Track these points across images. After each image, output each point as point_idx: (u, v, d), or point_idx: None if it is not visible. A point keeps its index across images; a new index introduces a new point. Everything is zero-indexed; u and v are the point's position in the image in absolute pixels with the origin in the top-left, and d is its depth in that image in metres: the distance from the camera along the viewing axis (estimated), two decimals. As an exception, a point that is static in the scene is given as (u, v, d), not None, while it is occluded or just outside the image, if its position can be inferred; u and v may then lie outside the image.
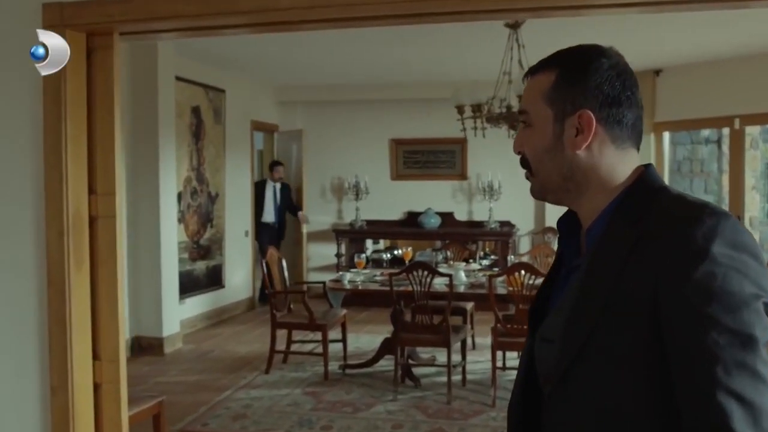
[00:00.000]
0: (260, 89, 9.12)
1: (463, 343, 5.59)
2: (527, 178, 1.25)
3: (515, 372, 1.36)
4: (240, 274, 8.61)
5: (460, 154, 9.26)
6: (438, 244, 9.10)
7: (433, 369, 5.80)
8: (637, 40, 6.10)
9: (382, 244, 9.73)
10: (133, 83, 6.53)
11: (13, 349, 2.52)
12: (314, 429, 4.62)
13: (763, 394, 0.97)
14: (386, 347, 5.75)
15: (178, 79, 6.99)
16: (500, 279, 5.39)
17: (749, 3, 2.22)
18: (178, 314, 6.93)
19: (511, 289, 5.08)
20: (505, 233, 8.77)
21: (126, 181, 6.46)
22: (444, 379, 5.28)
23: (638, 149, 1.21)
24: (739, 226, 1.04)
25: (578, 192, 1.20)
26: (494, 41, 5.70)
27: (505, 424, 1.33)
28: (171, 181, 6.82)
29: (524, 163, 1.24)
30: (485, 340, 6.27)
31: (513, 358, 5.67)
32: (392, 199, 9.40)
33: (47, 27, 2.39)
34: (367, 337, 7.07)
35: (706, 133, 11.12)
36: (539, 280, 4.59)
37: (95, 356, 2.58)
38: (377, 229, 9.42)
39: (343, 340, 6.15)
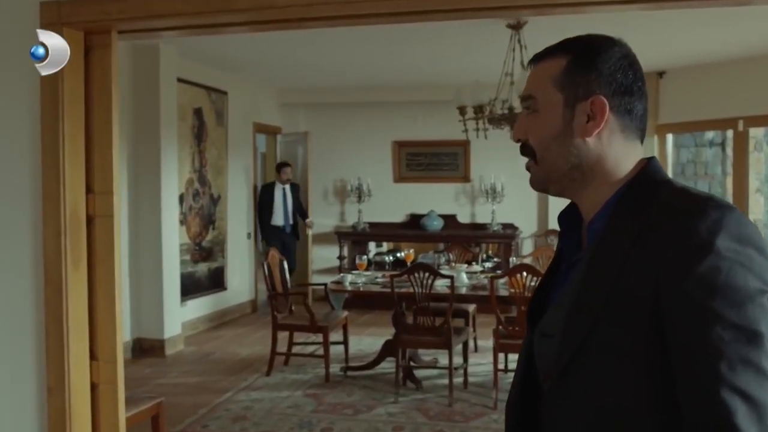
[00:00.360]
0: (263, 91, 9.11)
1: (465, 345, 5.57)
2: (528, 168, 1.22)
3: None
4: (242, 277, 8.59)
5: (462, 157, 9.24)
6: (441, 246, 9.08)
7: (434, 371, 5.78)
8: (640, 42, 6.03)
9: (385, 246, 9.71)
10: (135, 84, 6.52)
11: (10, 349, 2.51)
12: (314, 431, 4.60)
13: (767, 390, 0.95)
14: (388, 349, 5.73)
15: (180, 80, 6.99)
16: (502, 281, 5.37)
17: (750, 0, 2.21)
18: (179, 316, 6.92)
19: (512, 290, 5.06)
20: (507, 235, 8.75)
21: (127, 183, 6.46)
22: (446, 381, 5.26)
23: (642, 142, 1.19)
24: (744, 219, 1.02)
25: (583, 182, 1.17)
26: (496, 42, 5.69)
27: None
28: (173, 182, 6.81)
29: (525, 150, 1.20)
30: (487, 342, 6.25)
31: (515, 360, 5.58)
32: (395, 201, 9.39)
33: (45, 25, 2.39)
34: (369, 339, 7.05)
35: (710, 135, 11.09)
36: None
37: (92, 356, 2.57)
38: (380, 231, 9.40)
39: (345, 342, 6.13)
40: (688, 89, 7.49)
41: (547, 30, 5.29)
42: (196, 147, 7.53)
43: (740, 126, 7.15)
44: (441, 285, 5.37)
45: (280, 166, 8.84)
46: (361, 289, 5.97)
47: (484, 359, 6.13)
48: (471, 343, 6.19)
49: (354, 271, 6.59)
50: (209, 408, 5.05)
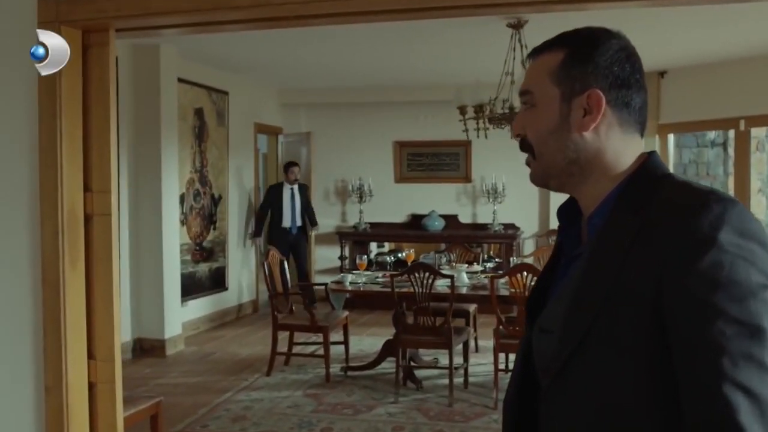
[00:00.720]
0: (264, 91, 9.11)
1: (465, 345, 5.56)
2: (527, 164, 1.21)
3: None
4: (243, 277, 8.59)
5: (464, 157, 9.23)
6: (442, 246, 9.07)
7: (435, 371, 5.77)
8: (641, 42, 5.99)
9: (387, 246, 9.70)
10: (136, 85, 6.53)
11: (8, 348, 2.50)
12: (314, 431, 4.60)
13: None
14: (388, 349, 5.72)
15: (181, 80, 6.99)
16: (503, 281, 5.36)
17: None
18: (180, 316, 6.92)
19: (513, 290, 5.05)
20: (509, 235, 8.73)
21: (128, 183, 6.46)
22: (446, 381, 5.25)
23: (642, 136, 1.17)
24: (747, 213, 1.01)
25: (582, 177, 1.16)
26: (497, 42, 5.68)
27: None
28: (173, 182, 6.81)
29: (524, 146, 1.20)
30: (488, 342, 6.24)
31: (516, 361, 5.63)
32: (396, 201, 9.37)
33: (42, 24, 2.38)
34: (370, 339, 7.04)
35: (711, 135, 11.07)
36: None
37: (90, 356, 2.56)
38: (381, 231, 9.39)
39: (345, 342, 6.12)
40: (689, 89, 7.47)
41: (548, 29, 5.27)
42: (197, 147, 7.53)
43: (742, 126, 7.14)
44: (441, 285, 5.36)
45: (288, 166, 8.63)
46: (362, 289, 5.96)
47: (485, 359, 6.12)
48: (472, 343, 6.18)
49: (354, 271, 6.59)
50: (209, 408, 5.04)
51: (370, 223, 9.30)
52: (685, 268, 0.97)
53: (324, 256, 9.38)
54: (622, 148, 1.14)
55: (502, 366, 5.35)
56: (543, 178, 1.20)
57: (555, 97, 1.14)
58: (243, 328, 7.83)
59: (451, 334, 5.09)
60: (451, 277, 5.16)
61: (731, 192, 8.48)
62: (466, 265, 6.53)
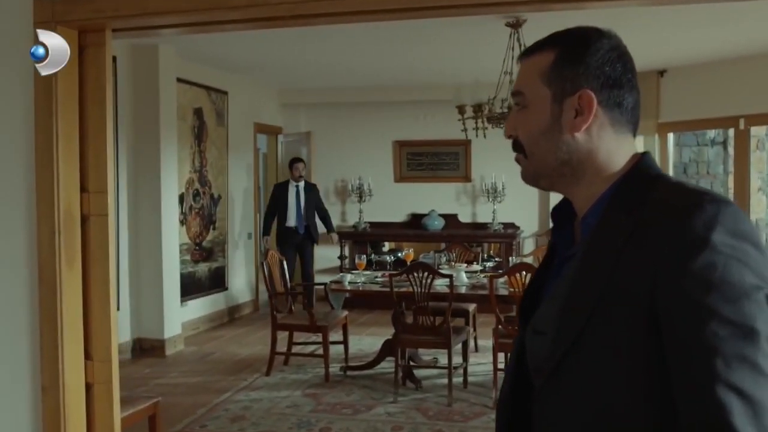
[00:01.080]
0: (263, 91, 9.10)
1: (465, 344, 5.56)
2: (518, 161, 1.20)
3: None
4: (243, 277, 8.59)
5: (463, 156, 9.23)
6: (442, 246, 9.06)
7: (434, 371, 5.77)
8: (641, 41, 6.06)
9: (387, 246, 9.69)
10: (135, 85, 6.52)
11: (4, 348, 2.50)
12: (313, 431, 4.60)
13: (764, 388, 0.93)
14: (387, 349, 5.72)
15: (180, 80, 6.99)
16: (502, 280, 5.36)
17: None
18: (179, 316, 6.92)
19: (512, 290, 5.04)
20: (509, 235, 8.73)
21: (127, 183, 6.46)
22: (445, 381, 5.24)
23: (635, 135, 1.17)
24: (741, 214, 1.00)
25: (574, 177, 1.15)
26: (496, 41, 5.67)
27: None
28: (173, 182, 6.81)
29: (517, 146, 1.20)
30: (488, 341, 6.23)
31: (515, 360, 5.62)
32: (396, 201, 9.37)
33: (38, 24, 2.38)
34: (369, 339, 7.04)
35: (711, 134, 11.06)
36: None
37: (87, 356, 2.55)
38: (381, 231, 9.38)
39: (344, 342, 6.11)
40: (689, 88, 7.46)
41: (546, 28, 5.26)
42: (196, 147, 7.53)
43: (741, 124, 7.13)
44: (440, 284, 5.36)
45: (292, 162, 8.35)
46: (361, 288, 5.96)
47: (485, 359, 6.11)
48: (471, 343, 6.18)
49: (354, 271, 6.58)
50: (208, 408, 5.04)
51: (369, 223, 9.30)
52: (678, 268, 0.96)
53: (324, 256, 9.37)
54: (614, 148, 1.14)
55: (501, 365, 5.33)
56: (534, 177, 1.20)
57: (546, 97, 1.14)
58: (242, 328, 7.83)
59: (450, 333, 5.09)
60: (450, 276, 5.15)
61: (731, 191, 8.48)
62: (465, 265, 6.52)
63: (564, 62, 1.13)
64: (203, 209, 7.70)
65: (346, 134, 9.48)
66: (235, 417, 4.86)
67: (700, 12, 5.19)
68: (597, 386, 1.04)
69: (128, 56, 6.45)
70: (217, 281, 7.97)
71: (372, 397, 5.24)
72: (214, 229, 7.89)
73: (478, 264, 7.09)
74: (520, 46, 5.42)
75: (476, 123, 5.73)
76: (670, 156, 8.10)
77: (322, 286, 6.54)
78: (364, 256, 6.75)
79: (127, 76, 6.44)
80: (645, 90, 7.34)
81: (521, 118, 1.18)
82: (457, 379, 5.40)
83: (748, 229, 0.99)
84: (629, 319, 1.01)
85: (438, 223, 9.06)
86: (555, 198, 1.19)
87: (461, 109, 5.72)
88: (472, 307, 6.21)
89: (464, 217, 9.26)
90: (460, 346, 5.48)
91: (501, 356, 5.33)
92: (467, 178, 9.25)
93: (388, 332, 5.77)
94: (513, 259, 6.61)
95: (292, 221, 8.17)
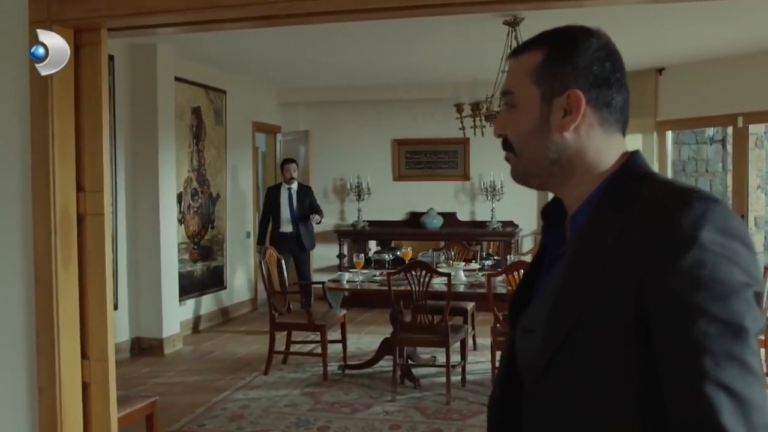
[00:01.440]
0: (262, 90, 9.10)
1: (463, 343, 5.56)
2: (507, 160, 1.20)
3: None
4: (241, 276, 8.58)
5: (462, 155, 9.23)
6: (441, 244, 9.07)
7: (433, 369, 5.77)
8: (639, 38, 6.06)
9: (377, 245, 9.68)
10: (133, 84, 6.52)
11: (1, 348, 2.50)
12: (311, 430, 4.59)
13: (753, 386, 0.93)
14: (386, 348, 5.72)
15: (178, 79, 6.98)
16: (500, 278, 5.36)
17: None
18: (177, 315, 6.92)
19: (510, 288, 5.04)
20: (507, 233, 8.73)
21: (125, 182, 6.46)
22: (443, 379, 5.24)
23: (624, 134, 1.17)
24: (730, 212, 1.00)
25: (563, 176, 1.15)
26: (493, 40, 5.67)
27: None
28: (171, 181, 6.80)
29: (506, 145, 1.20)
30: (486, 340, 6.22)
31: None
32: (394, 199, 9.37)
33: (33, 23, 2.37)
34: (368, 337, 7.04)
35: (710, 132, 11.07)
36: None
37: (84, 355, 2.55)
38: (379, 229, 9.39)
39: (343, 341, 6.11)
40: (687, 86, 7.46)
41: (544, 27, 5.26)
42: (194, 146, 7.53)
43: (740, 122, 7.13)
44: (439, 283, 5.35)
45: (284, 164, 7.97)
46: (359, 287, 5.95)
47: (483, 357, 6.12)
48: (470, 341, 6.19)
49: (352, 270, 6.58)
50: (206, 407, 5.04)
51: (368, 221, 9.30)
52: (667, 267, 0.96)
53: (323, 255, 9.37)
54: (604, 147, 1.14)
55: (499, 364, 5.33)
56: (524, 177, 1.20)
57: (535, 97, 1.14)
58: (241, 326, 7.82)
59: (449, 332, 5.09)
60: (448, 275, 5.15)
61: (730, 189, 8.47)
62: (464, 263, 6.53)
63: (552, 62, 1.13)
64: (201, 208, 7.69)
65: (345, 133, 9.48)
66: (234, 416, 4.86)
67: (699, 10, 5.18)
68: (587, 385, 1.04)
69: (126, 55, 6.44)
70: (215, 280, 7.97)
71: (370, 396, 5.24)
72: (212, 228, 7.88)
73: (476, 262, 7.09)
74: (518, 44, 5.41)
75: (474, 121, 5.74)
76: (668, 154, 8.10)
77: (321, 285, 6.53)
78: (362, 255, 6.74)
79: (125, 76, 6.43)
80: (643, 88, 7.32)
81: (510, 117, 1.18)
82: (456, 378, 5.40)
83: (736, 226, 0.99)
84: (619, 318, 1.01)
85: (437, 222, 9.06)
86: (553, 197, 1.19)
87: (459, 108, 5.73)
88: (470, 305, 6.21)
89: (463, 216, 9.26)
90: (458, 344, 5.49)
91: (499, 354, 5.33)
92: (466, 177, 9.25)
93: (387, 331, 5.78)
94: (511, 258, 6.61)
95: (285, 227, 7.79)
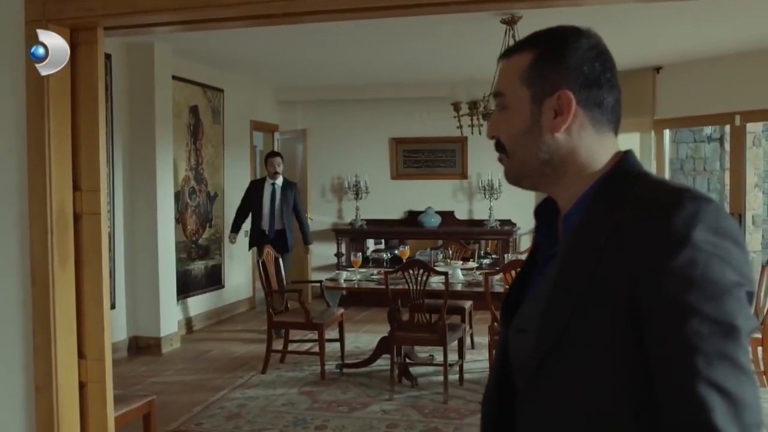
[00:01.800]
0: (259, 89, 9.09)
1: (461, 341, 5.56)
2: (501, 161, 1.21)
3: None
4: (239, 274, 8.58)
5: (460, 153, 9.23)
6: (439, 243, 9.07)
7: (430, 368, 5.76)
8: (636, 37, 6.06)
9: (384, 243, 9.69)
10: (130, 83, 6.51)
11: (-3, 348, 2.49)
12: (308, 429, 4.59)
13: (745, 386, 0.93)
14: (383, 346, 5.72)
15: (176, 78, 6.98)
16: (497, 277, 5.36)
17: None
18: (175, 314, 6.91)
19: (507, 287, 5.04)
20: (505, 232, 8.74)
21: (123, 181, 6.45)
22: (441, 378, 5.24)
23: (617, 134, 1.17)
24: (722, 211, 1.00)
25: (555, 177, 1.16)
26: (491, 39, 5.66)
27: None
28: (168, 180, 6.79)
29: (499, 147, 1.20)
30: (484, 339, 6.23)
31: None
32: (392, 198, 9.37)
33: (29, 23, 2.38)
34: (366, 336, 7.04)
35: (708, 130, 11.08)
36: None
37: (81, 355, 2.55)
38: (377, 228, 9.39)
39: (341, 340, 6.11)
40: (684, 84, 7.46)
41: (541, 25, 5.26)
42: (192, 145, 7.52)
43: (737, 121, 7.13)
44: (436, 282, 5.36)
45: (267, 157, 7.50)
46: (357, 286, 5.95)
47: (481, 356, 6.12)
48: (467, 340, 6.19)
49: (350, 268, 6.58)
50: (204, 406, 5.04)
51: (366, 220, 9.30)
52: (659, 266, 0.96)
53: (321, 254, 9.36)
54: (596, 147, 1.14)
55: (497, 363, 5.34)
56: (516, 177, 1.20)
57: (526, 98, 1.14)
58: (239, 325, 7.82)
59: (446, 330, 5.09)
60: (446, 274, 5.15)
61: (727, 187, 8.48)
62: (461, 262, 6.53)
63: (543, 63, 1.13)
64: (199, 207, 7.69)
65: (343, 131, 9.48)
66: (231, 415, 4.85)
67: (696, 8, 5.18)
68: (579, 385, 1.04)
69: (123, 54, 6.44)
70: (213, 279, 7.96)
71: (368, 395, 5.24)
72: (210, 226, 7.88)
73: (474, 261, 7.10)
74: (515, 43, 5.41)
75: (471, 120, 5.74)
76: (666, 152, 8.10)
77: (318, 284, 6.53)
78: (359, 254, 6.74)
79: (123, 74, 6.42)
80: (641, 86, 7.31)
81: (502, 118, 1.18)
82: (453, 377, 5.40)
83: (729, 226, 0.99)
84: (611, 318, 1.01)
85: (434, 220, 9.06)
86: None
87: (456, 106, 5.73)
88: (468, 304, 6.21)
89: (461, 214, 9.26)
90: (455, 343, 5.49)
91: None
92: (464, 175, 9.25)
93: (384, 330, 5.78)
94: (509, 256, 6.60)
95: (265, 224, 7.32)
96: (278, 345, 6.11)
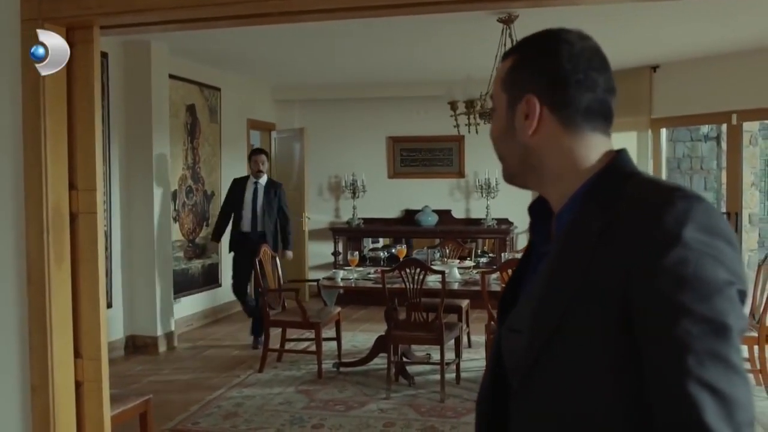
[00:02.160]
0: (256, 87, 9.08)
1: (458, 340, 5.56)
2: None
3: None
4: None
5: (457, 152, 9.23)
6: (436, 242, 9.07)
7: (427, 367, 5.77)
8: (633, 36, 6.06)
9: (382, 242, 9.69)
10: (127, 82, 6.50)
11: (-7, 347, 2.49)
12: (305, 427, 4.59)
13: (737, 385, 0.93)
14: (380, 345, 5.72)
15: (172, 77, 6.97)
16: (494, 276, 5.36)
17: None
18: (172, 313, 6.90)
19: (504, 285, 5.04)
20: (502, 230, 8.75)
21: (119, 180, 6.45)
22: (438, 377, 5.24)
23: (604, 133, 1.16)
24: (713, 210, 1.00)
25: (538, 177, 1.18)
26: (488, 38, 5.67)
27: None
28: (165, 179, 6.78)
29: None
30: (480, 337, 6.24)
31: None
32: (389, 197, 9.37)
33: (25, 21, 2.37)
34: (363, 335, 7.04)
35: (705, 129, 11.10)
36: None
37: (77, 354, 2.55)
38: (374, 227, 9.40)
39: (338, 339, 6.11)
40: (681, 83, 7.46)
41: (538, 25, 5.25)
42: (189, 144, 7.51)
43: (734, 120, 7.13)
44: (433, 281, 5.36)
45: (252, 154, 7.08)
46: (354, 285, 5.95)
47: (478, 354, 6.13)
48: (464, 339, 6.19)
49: (346, 267, 6.58)
50: (201, 405, 5.04)
51: (363, 219, 9.30)
52: (650, 265, 0.97)
53: (319, 252, 9.37)
54: (575, 147, 1.14)
55: (494, 361, 5.33)
56: (509, 177, 1.24)
57: (504, 103, 1.19)
58: (236, 324, 7.81)
59: (443, 329, 5.09)
60: (442, 272, 5.15)
61: (724, 186, 8.49)
62: (458, 261, 6.53)
63: (517, 68, 1.17)
64: (196, 206, 7.68)
65: (340, 130, 9.48)
66: (228, 414, 4.85)
67: (693, 7, 5.18)
68: (572, 384, 1.04)
69: (120, 53, 6.43)
70: (210, 278, 7.96)
71: (365, 394, 5.24)
72: (207, 225, 7.87)
73: (471, 260, 7.10)
74: (512, 42, 5.42)
75: (468, 119, 5.74)
76: (663, 151, 8.11)
77: (315, 283, 6.53)
78: (356, 253, 6.74)
79: (119, 73, 6.41)
80: (638, 85, 7.30)
81: (492, 121, 1.24)
82: (450, 375, 5.41)
83: (720, 224, 0.99)
84: (603, 317, 1.01)
85: (432, 219, 9.06)
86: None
87: (453, 105, 5.73)
88: (465, 303, 6.22)
89: (458, 213, 9.27)
90: (452, 342, 5.49)
91: (494, 352, 5.34)
92: (461, 174, 9.26)
93: (381, 328, 5.78)
94: (506, 255, 6.61)
95: (246, 226, 6.83)
96: (274, 344, 6.11)
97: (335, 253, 9.18)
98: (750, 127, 9.74)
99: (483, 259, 8.34)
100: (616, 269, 1.00)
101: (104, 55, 6.06)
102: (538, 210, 1.24)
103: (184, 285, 7.35)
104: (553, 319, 1.05)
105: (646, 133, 7.75)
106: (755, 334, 4.97)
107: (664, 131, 7.99)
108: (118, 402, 3.41)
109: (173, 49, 6.77)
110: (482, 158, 8.68)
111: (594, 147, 1.14)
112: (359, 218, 9.29)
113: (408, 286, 5.10)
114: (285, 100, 9.53)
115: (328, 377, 5.66)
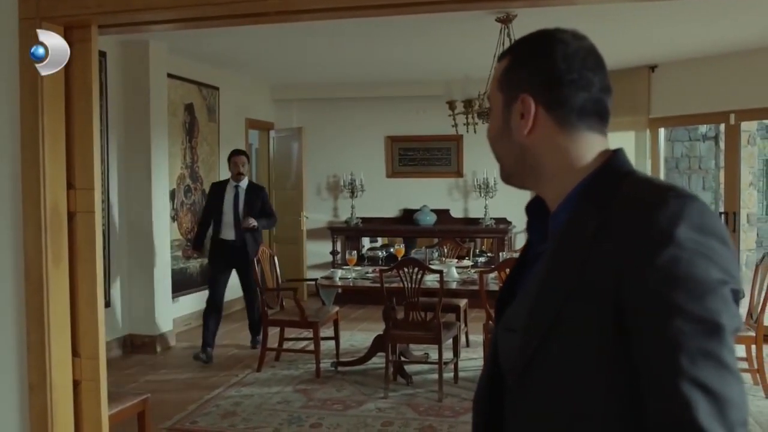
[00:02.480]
0: (255, 87, 9.08)
1: (455, 340, 5.57)
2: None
3: None
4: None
5: (455, 151, 9.23)
6: (435, 241, 9.07)
7: (425, 366, 5.77)
8: (631, 36, 6.07)
9: (380, 241, 9.70)
10: (125, 81, 6.50)
11: (-9, 346, 2.49)
12: (303, 427, 4.59)
13: (729, 384, 0.94)
14: (378, 345, 5.72)
15: (171, 76, 6.97)
16: (492, 275, 5.37)
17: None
18: (171, 312, 6.90)
19: (502, 285, 5.05)
20: (500, 230, 8.76)
21: (118, 179, 6.44)
22: (436, 376, 5.25)
23: (600, 133, 1.16)
24: (706, 209, 1.00)
25: (534, 177, 1.19)
26: (486, 37, 5.67)
27: None
28: (164, 178, 6.79)
29: None
30: (478, 337, 6.25)
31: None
32: (388, 196, 9.37)
33: (23, 20, 2.37)
34: (361, 334, 7.05)
35: (703, 129, 11.11)
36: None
37: (75, 353, 2.55)
38: (373, 226, 9.40)
39: (336, 338, 6.12)
40: (679, 83, 7.47)
41: (536, 24, 5.25)
42: (187, 143, 7.51)
43: (732, 120, 7.14)
44: (431, 280, 5.36)
45: (231, 156, 6.54)
46: (352, 284, 5.96)
47: (476, 354, 6.14)
48: (462, 338, 6.20)
49: (345, 267, 6.58)
50: (199, 404, 5.04)
51: (361, 218, 9.31)
52: (643, 264, 0.97)
53: (317, 252, 9.37)
54: (570, 146, 1.14)
55: (492, 361, 5.34)
56: (506, 176, 1.25)
57: (500, 103, 1.20)
58: (234, 323, 7.81)
59: (441, 329, 5.09)
60: (440, 272, 5.16)
61: (722, 185, 8.50)
62: (456, 260, 6.54)
63: (512, 68, 1.18)
64: (195, 205, 7.68)
65: (338, 129, 9.48)
66: (226, 413, 4.85)
67: (691, 8, 5.19)
68: (567, 384, 1.05)
69: (118, 52, 6.43)
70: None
71: (363, 393, 5.24)
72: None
73: (469, 259, 7.11)
74: (510, 41, 5.42)
75: (467, 118, 5.74)
76: (661, 151, 8.11)
77: (313, 282, 6.53)
78: (354, 252, 6.74)
79: (118, 72, 6.41)
80: (636, 85, 7.30)
81: (489, 121, 1.25)
82: (448, 375, 5.41)
83: (713, 224, 0.99)
84: (597, 316, 1.01)
85: (430, 219, 9.07)
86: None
87: (452, 105, 5.73)
88: (463, 302, 6.22)
89: (456, 213, 9.27)
90: (450, 341, 5.49)
91: (491, 351, 5.34)
92: (459, 174, 9.26)
93: (379, 328, 5.78)
94: (504, 254, 6.62)
95: (227, 233, 6.37)
96: (273, 343, 6.11)
97: (333, 253, 9.19)
98: (748, 126, 9.76)
99: (481, 259, 8.35)
100: (610, 269, 1.00)
101: (102, 54, 6.06)
102: (535, 209, 1.25)
103: (182, 284, 7.35)
104: (549, 319, 1.05)
105: (644, 132, 7.76)
106: (753, 334, 4.98)
107: (662, 131, 8.00)
108: (116, 401, 3.41)
109: (172, 49, 6.77)
110: (480, 158, 8.69)
111: (589, 146, 1.15)
112: (357, 217, 9.29)
113: (406, 286, 5.10)
114: (283, 99, 9.53)
115: (326, 376, 5.67)
